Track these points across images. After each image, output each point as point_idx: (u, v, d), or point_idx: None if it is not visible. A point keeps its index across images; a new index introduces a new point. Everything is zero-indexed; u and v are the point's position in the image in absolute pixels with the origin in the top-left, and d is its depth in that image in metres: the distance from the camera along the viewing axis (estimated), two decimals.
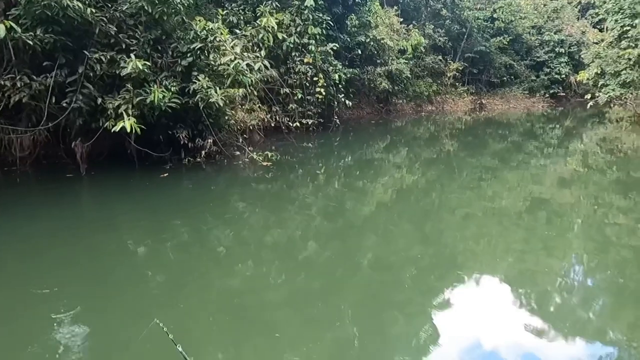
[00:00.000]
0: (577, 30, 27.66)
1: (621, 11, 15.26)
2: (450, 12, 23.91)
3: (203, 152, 8.48)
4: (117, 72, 7.15)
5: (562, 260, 4.85)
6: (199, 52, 7.85)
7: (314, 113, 13.58)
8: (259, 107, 12.55)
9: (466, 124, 20.87)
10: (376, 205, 7.32)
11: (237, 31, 9.99)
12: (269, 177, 8.91)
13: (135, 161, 8.17)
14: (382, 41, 19.01)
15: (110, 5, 7.45)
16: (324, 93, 13.32)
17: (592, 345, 3.46)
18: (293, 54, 13.21)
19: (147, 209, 6.48)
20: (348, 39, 16.88)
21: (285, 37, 12.90)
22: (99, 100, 7.22)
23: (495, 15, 25.57)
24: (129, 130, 6.11)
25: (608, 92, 15.71)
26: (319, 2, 13.61)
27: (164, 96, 7.11)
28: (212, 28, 7.67)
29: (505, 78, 27.01)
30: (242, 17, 12.75)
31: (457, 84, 25.26)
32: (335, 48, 14.00)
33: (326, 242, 5.49)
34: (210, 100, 7.43)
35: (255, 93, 12.23)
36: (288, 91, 12.17)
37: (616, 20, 15.38)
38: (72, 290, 4.03)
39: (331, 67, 13.91)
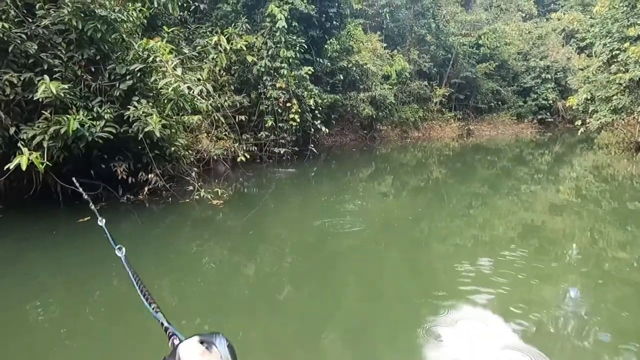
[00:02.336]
0: (563, 57, 27.46)
1: (609, 35, 14.72)
2: (435, 38, 23.51)
3: (146, 189, 7.31)
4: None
5: (556, 294, 4.49)
6: (139, 74, 6.80)
7: (287, 141, 12.56)
8: (226, 134, 11.49)
9: (454, 151, 20.04)
10: (360, 239, 6.46)
11: (186, 51, 9.00)
12: (232, 213, 7.84)
13: (60, 201, 6.95)
14: (365, 66, 18.34)
15: (31, 21, 6.40)
16: (298, 120, 12.34)
17: None
18: (264, 78, 12.30)
19: (57, 260, 5.24)
20: (328, 63, 16.13)
21: (256, 60, 12.03)
22: (12, 130, 6.08)
23: (480, 42, 25.28)
24: (24, 167, 4.98)
25: (599, 119, 14.98)
26: (294, 25, 12.83)
27: (88, 125, 5.99)
28: (152, 47, 6.65)
29: (492, 104, 26.54)
30: (208, 41, 11.87)
31: (443, 109, 24.63)
32: (310, 72, 13.13)
33: (305, 278, 4.95)
34: (145, 129, 6.32)
35: (223, 120, 11.23)
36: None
37: (604, 45, 14.81)
38: None
39: (306, 92, 12.98)
